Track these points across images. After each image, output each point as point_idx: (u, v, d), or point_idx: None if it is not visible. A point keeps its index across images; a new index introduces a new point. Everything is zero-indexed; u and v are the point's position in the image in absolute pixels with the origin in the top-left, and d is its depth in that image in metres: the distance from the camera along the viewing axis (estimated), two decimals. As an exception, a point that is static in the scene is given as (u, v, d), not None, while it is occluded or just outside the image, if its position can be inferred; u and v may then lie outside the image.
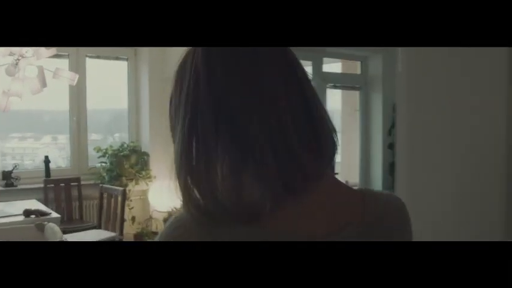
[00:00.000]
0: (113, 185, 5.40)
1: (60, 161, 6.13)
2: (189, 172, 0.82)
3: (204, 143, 0.81)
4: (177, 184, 0.83)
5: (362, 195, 0.91)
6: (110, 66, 6.29)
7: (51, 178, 5.51)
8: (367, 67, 7.01)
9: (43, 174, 5.55)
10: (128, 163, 5.69)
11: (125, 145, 5.89)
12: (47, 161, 5.58)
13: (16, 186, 5.35)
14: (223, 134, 0.80)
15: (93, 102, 5.98)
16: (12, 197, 5.16)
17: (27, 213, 3.89)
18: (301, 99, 0.84)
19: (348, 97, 7.83)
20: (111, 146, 5.83)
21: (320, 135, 0.85)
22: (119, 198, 4.66)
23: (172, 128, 0.87)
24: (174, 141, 0.85)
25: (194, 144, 0.81)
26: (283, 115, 0.81)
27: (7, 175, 5.34)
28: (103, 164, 5.74)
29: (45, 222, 3.69)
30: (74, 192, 5.53)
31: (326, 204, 0.86)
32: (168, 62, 5.57)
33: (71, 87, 5.64)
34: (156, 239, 0.85)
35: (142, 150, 5.90)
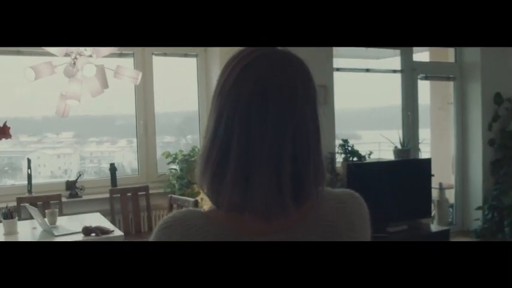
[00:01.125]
0: (183, 193, 4.93)
1: (135, 163, 5.73)
2: (202, 171, 0.99)
3: (219, 155, 0.96)
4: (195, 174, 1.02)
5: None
6: (179, 65, 5.80)
7: (118, 187, 5.08)
8: (463, 55, 6.23)
9: (109, 183, 5.13)
10: (199, 169, 5.20)
11: (196, 149, 5.39)
12: (112, 168, 5.13)
13: (81, 196, 4.94)
14: (235, 153, 0.94)
15: (162, 104, 5.51)
16: (76, 208, 4.77)
17: (86, 231, 3.43)
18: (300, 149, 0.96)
19: (438, 89, 7.07)
20: (181, 151, 5.34)
21: (305, 178, 0.97)
22: (190, 210, 4.16)
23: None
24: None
25: (213, 151, 0.97)
26: (285, 156, 0.94)
27: (71, 185, 4.93)
28: (173, 171, 5.26)
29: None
30: (142, 202, 5.08)
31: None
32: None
33: (137, 88, 5.22)
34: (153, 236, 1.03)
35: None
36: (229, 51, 1.01)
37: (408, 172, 5.36)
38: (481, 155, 6.06)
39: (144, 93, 5.33)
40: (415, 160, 5.72)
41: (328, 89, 5.10)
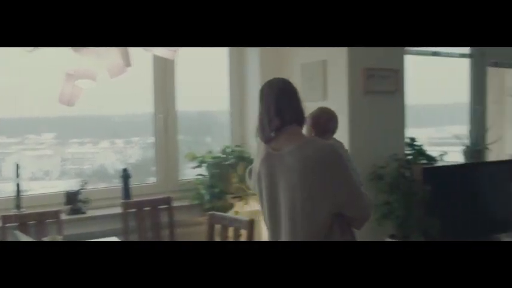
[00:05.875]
0: (214, 206, 3.84)
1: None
2: (257, 128, 2.31)
3: (261, 121, 2.28)
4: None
5: (307, 138, 2.23)
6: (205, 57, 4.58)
7: (133, 200, 3.95)
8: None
9: (119, 193, 4.00)
10: (235, 175, 4.10)
11: (228, 150, 4.30)
12: (125, 175, 4.01)
13: (85, 212, 3.81)
14: (265, 119, 2.25)
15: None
16: (81, 228, 3.65)
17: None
18: (285, 109, 2.24)
19: (493, 78, 6.03)
20: (210, 153, 4.24)
21: (287, 118, 2.22)
22: (242, 233, 3.05)
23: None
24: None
25: (260, 121, 2.28)
26: (274, 116, 2.23)
27: (72, 197, 3.79)
28: (199, 177, 4.15)
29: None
30: (164, 218, 3.95)
31: (287, 139, 2.18)
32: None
33: (155, 80, 4.20)
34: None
35: (251, 158, 4.27)
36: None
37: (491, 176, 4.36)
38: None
39: (164, 85, 4.23)
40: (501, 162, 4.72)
41: (400, 74, 4.07)
